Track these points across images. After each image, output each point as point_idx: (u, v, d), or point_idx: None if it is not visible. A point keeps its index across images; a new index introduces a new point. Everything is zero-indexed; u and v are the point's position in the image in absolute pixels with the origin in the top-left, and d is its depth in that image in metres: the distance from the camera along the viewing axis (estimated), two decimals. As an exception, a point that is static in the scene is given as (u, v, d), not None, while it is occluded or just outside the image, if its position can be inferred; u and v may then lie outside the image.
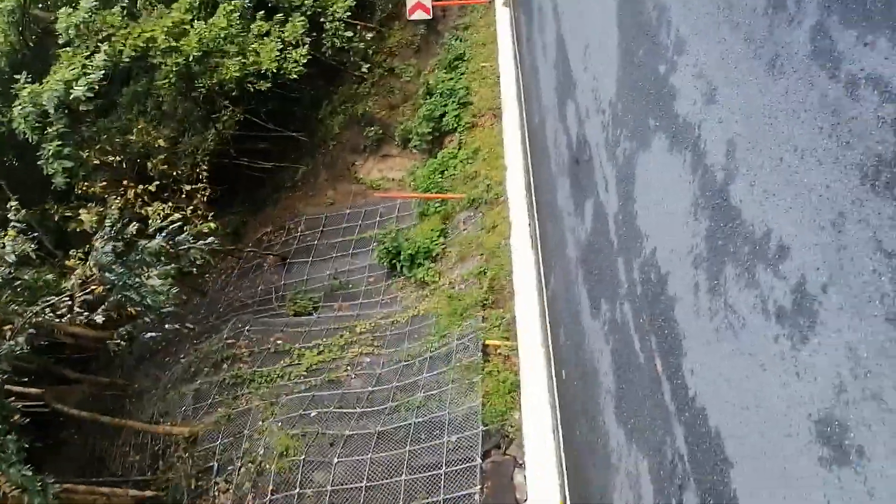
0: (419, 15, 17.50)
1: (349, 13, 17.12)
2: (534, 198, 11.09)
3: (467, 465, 9.79)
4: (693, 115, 4.52)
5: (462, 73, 17.01)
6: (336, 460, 11.22)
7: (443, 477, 9.96)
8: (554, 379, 8.46)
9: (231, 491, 12.24)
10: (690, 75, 4.58)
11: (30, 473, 10.64)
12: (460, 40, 18.13)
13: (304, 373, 13.80)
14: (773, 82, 3.53)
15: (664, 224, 5.01)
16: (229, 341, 15.37)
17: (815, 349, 3.15)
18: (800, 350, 3.27)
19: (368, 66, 18.99)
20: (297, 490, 11.17)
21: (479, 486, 9.49)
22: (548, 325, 9.15)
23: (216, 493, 12.47)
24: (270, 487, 11.58)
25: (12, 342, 11.99)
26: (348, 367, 13.42)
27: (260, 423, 12.85)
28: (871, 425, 2.74)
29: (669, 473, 4.58)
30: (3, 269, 12.16)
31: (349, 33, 17.21)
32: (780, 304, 3.43)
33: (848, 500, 2.84)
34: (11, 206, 13.46)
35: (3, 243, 12.48)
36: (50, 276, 13.75)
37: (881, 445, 2.68)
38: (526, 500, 8.66)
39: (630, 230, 5.78)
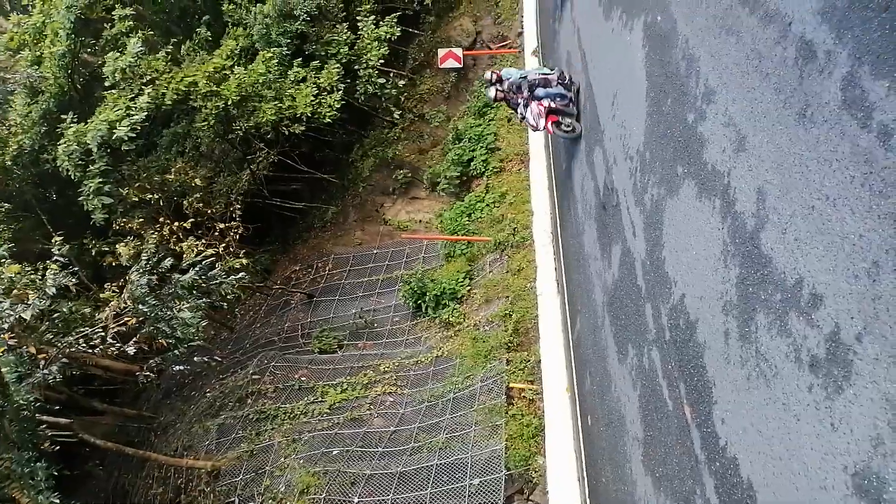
0: (450, 63, 18.03)
1: (382, 61, 17.69)
2: (560, 242, 11.14)
3: (490, 509, 9.59)
4: (722, 163, 4.57)
5: (490, 120, 17.37)
6: (357, 500, 11.09)
7: (465, 519, 9.77)
8: (580, 424, 8.32)
9: (252, 526, 12.14)
10: (720, 124, 4.65)
11: (57, 501, 10.71)
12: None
13: (327, 410, 13.79)
14: (805, 132, 3.58)
15: (693, 270, 5.00)
16: (255, 377, 15.48)
17: (851, 400, 3.10)
18: (834, 400, 3.21)
19: (400, 111, 19.50)
20: (318, 528, 11.03)
21: (501, 531, 9.27)
22: (573, 369, 9.05)
23: (237, 528, 12.38)
24: (291, 524, 11.45)
25: (45, 371, 12.25)
26: (371, 406, 13.37)
27: (282, 459, 12.82)
28: (911, 480, 2.67)
29: (700, 526, 4.45)
30: (43, 301, 12.51)
31: (382, 80, 17.77)
32: (814, 353, 3.39)
33: (887, 557, 2.75)
34: (55, 241, 13.93)
35: (45, 276, 12.88)
36: (86, 309, 14.11)
37: (922, 501, 2.61)
38: (549, 549, 8.42)
39: (658, 276, 5.77)
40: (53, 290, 12.71)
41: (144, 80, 16.76)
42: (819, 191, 3.41)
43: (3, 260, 13.80)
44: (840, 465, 3.13)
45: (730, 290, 4.33)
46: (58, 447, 13.12)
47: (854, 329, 3.08)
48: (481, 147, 16.86)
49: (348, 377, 14.44)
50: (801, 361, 3.49)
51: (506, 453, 10.05)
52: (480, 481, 10.03)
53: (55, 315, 13.02)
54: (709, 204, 4.73)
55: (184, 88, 16.46)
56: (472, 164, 16.90)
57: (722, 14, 4.71)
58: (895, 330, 2.81)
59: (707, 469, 4.47)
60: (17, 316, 11.85)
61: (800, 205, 3.57)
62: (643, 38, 6.68)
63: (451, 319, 14.39)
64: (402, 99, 19.71)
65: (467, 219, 15.95)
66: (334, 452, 12.46)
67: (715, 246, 4.56)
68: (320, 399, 14.18)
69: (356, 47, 17.63)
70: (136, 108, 16.11)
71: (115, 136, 15.88)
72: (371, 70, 17.48)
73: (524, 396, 10.96)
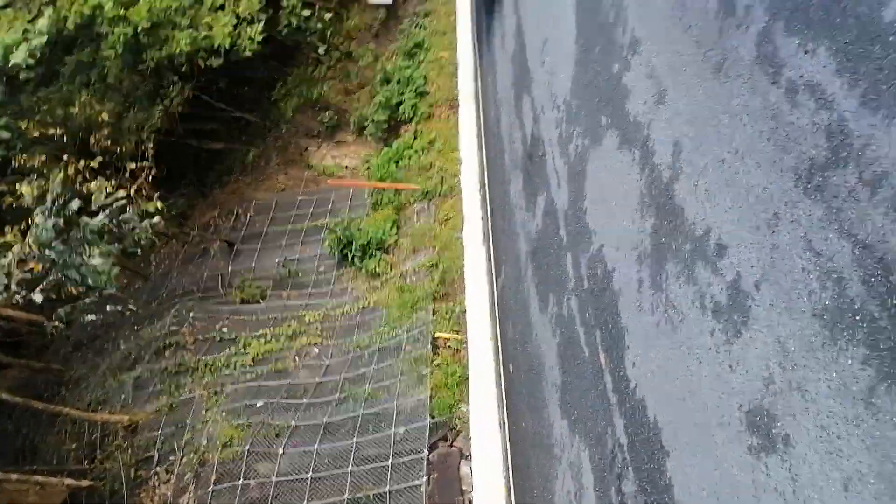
0: (380, -1, 17.32)
1: (308, -8, 16.78)
2: (487, 192, 11.16)
3: (414, 456, 9.83)
4: (643, 115, 4.64)
5: (420, 62, 16.92)
6: (282, 451, 11.09)
7: (390, 468, 9.98)
8: (502, 372, 8.57)
9: (172, 481, 11.93)
10: (643, 75, 4.69)
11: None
12: (420, 27, 18.00)
13: (251, 362, 13.55)
14: (720, 86, 3.66)
15: (612, 221, 5.13)
16: (172, 328, 14.92)
17: (747, 343, 3.30)
18: (733, 344, 3.41)
19: (325, 48, 18.63)
20: (241, 481, 10.99)
21: (425, 478, 9.55)
22: (497, 318, 9.25)
23: (157, 484, 12.14)
24: (213, 477, 11.33)
25: (-62, 322, 11.36)
26: (296, 358, 13.24)
27: (203, 412, 12.55)
28: (797, 415, 2.89)
29: (610, 463, 4.71)
30: None
31: (307, 12, 16.85)
32: (717, 300, 3.57)
33: (773, 485, 2.99)
34: None
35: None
36: (-19, 252, 13.10)
37: (805, 434, 2.83)
38: (471, 491, 8.75)
39: (579, 226, 5.89)
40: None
41: (44, 1, 15.16)
42: (730, 144, 3.51)
43: None
44: (735, 404, 3.35)
45: (644, 240, 4.47)
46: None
47: (753, 277, 3.25)
48: (410, 90, 16.43)
49: (272, 328, 14.15)
50: (705, 308, 3.68)
51: (430, 402, 10.25)
52: (406, 430, 10.23)
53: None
54: (629, 155, 4.81)
55: (88, 11, 14.97)
56: (400, 108, 16.48)
57: (649, -38, 4.69)
58: (789, 278, 2.98)
59: (618, 410, 4.71)
60: None
61: (712, 157, 3.68)
62: (573, -16, 6.59)
63: (377, 269, 14.29)
64: (329, 34, 18.80)
65: (395, 166, 15.68)
66: (258, 405, 12.31)
67: (633, 197, 4.67)
68: (243, 351, 13.87)
69: (279, -25, 16.60)
70: (34, 31, 14.60)
71: (11, 62, 14.42)
72: (295, 1, 16.51)
73: (449, 346, 11.13)
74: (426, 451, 9.76)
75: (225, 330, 14.63)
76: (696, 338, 3.75)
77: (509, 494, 7.54)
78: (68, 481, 13.27)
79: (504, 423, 8.13)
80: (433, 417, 10.08)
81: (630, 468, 4.43)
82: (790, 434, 2.91)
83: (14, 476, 12.89)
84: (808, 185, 2.89)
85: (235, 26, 15.58)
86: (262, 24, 15.88)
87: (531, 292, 7.36)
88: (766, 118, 3.21)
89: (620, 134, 5.02)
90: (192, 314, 15.25)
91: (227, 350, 13.98)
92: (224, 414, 12.24)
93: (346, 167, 18.32)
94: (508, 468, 7.71)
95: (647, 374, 4.41)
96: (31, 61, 14.45)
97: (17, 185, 15.10)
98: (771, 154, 3.17)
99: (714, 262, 3.58)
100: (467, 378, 9.90)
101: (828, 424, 2.70)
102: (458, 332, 11.05)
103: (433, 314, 11.76)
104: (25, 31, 14.55)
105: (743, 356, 3.33)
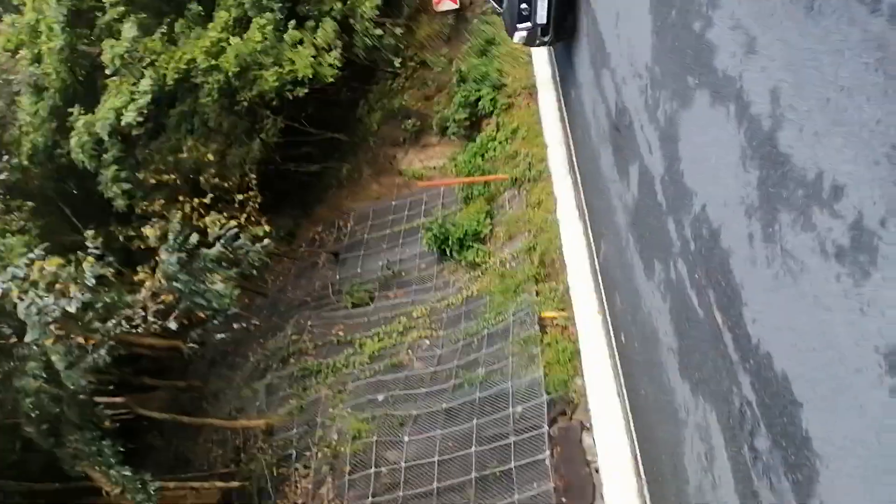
0: (446, 5, 17.59)
1: (377, 12, 17.34)
2: (577, 170, 11.12)
3: (535, 432, 10.01)
4: (733, 68, 4.54)
5: (494, 57, 17.03)
6: (407, 438, 11.64)
7: (512, 446, 10.22)
8: (614, 343, 8.56)
9: (311, 475, 12.88)
10: (727, 28, 4.59)
11: (129, 473, 11.44)
12: (490, 24, 18.10)
13: (367, 360, 14.29)
14: (814, 24, 3.55)
15: (713, 179, 5.04)
16: (293, 337, 16.02)
17: (879, 284, 3.19)
18: (863, 286, 3.31)
19: (400, 61, 19.18)
20: (373, 469, 11.67)
21: (548, 452, 9.70)
22: (602, 292, 9.23)
23: (297, 479, 13.15)
24: (347, 468, 12.12)
25: (95, 356, 12.85)
26: (409, 351, 13.81)
27: (330, 410, 13.42)
28: (940, 350, 2.79)
29: (739, 421, 4.66)
30: (84, 293, 12.97)
31: (379, 31, 17.43)
32: (839, 244, 3.46)
33: (922, 424, 2.91)
34: (88, 235, 14.33)
35: (82, 269, 13.32)
36: (127, 298, 14.62)
37: (951, 367, 2.73)
38: (596, 461, 8.80)
39: (678, 189, 5.82)
40: (93, 280, 13.16)
41: (144, 64, 16.72)
42: (833, 83, 3.41)
43: (42, 257, 14.22)
44: (872, 347, 3.25)
45: (751, 193, 4.38)
46: (118, 424, 13.90)
47: (877, 214, 3.15)
48: (487, 85, 16.60)
49: (384, 326, 14.85)
50: (826, 253, 3.58)
51: (545, 379, 10.38)
52: (523, 408, 10.43)
53: (97, 304, 13.53)
54: (723, 111, 4.72)
55: (183, 66, 16.38)
56: (479, 103, 16.69)
57: (721, -88, 4.58)
58: (917, 209, 2.88)
59: (741, 368, 4.65)
60: (61, 309, 12.35)
61: (815, 99, 3.57)
62: (642, -52, 6.49)
63: (476, 260, 14.58)
64: (402, 48, 19.33)
65: (481, 159, 15.90)
66: (380, 398, 12.98)
67: (733, 152, 4.59)
68: (359, 350, 14.66)
69: (349, 2, 17.27)
70: (139, 92, 16.15)
71: (123, 122, 16.02)
72: (367, 22, 17.13)
73: (557, 324, 11.21)
74: (546, 427, 9.90)
75: (341, 333, 15.54)
76: (821, 285, 3.65)
77: (636, 461, 7.55)
78: (219, 484, 14.65)
79: (622, 392, 8.14)
80: (549, 394, 10.22)
81: (761, 424, 4.37)
82: (935, 369, 2.82)
83: (172, 484, 14.40)
84: (927, 111, 2.78)
85: (315, 56, 16.41)
86: (338, 49, 16.63)
87: (635, 261, 7.32)
88: (871, 49, 3.10)
89: (711, 91, 4.93)
90: (309, 322, 16.29)
91: (345, 351, 14.84)
92: (349, 410, 13.04)
93: (434, 168, 18.76)
94: (633, 435, 7.71)
95: (769, 329, 4.32)
96: (140, 118, 15.98)
97: (142, 229, 16.78)
98: (882, 85, 3.06)
99: (831, 205, 3.49)
100: (579, 353, 9.95)
101: (976, 353, 2.61)
102: (563, 310, 11.11)
103: (536, 295, 11.88)
104: (132, 93, 16.08)
105: (875, 297, 3.22)
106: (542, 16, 9.70)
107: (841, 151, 3.40)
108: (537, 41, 10.31)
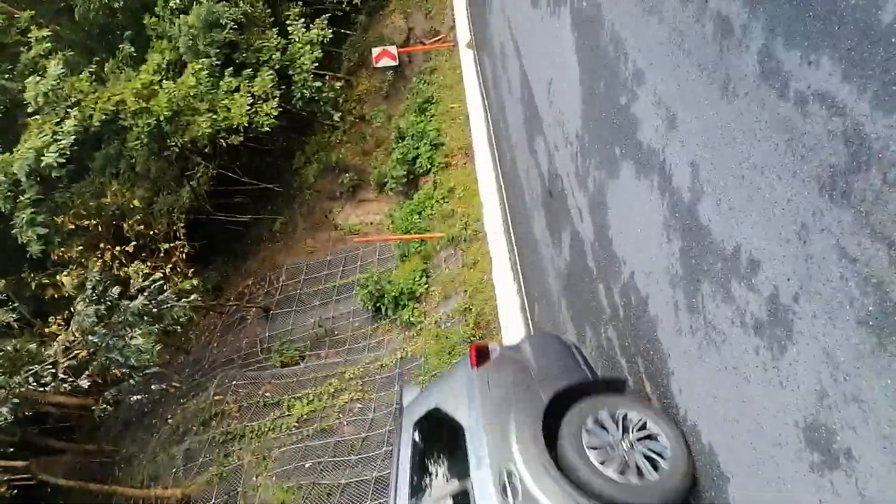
0: (386, 62, 17.94)
1: (317, 64, 17.47)
2: (512, 231, 11.24)
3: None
4: (656, 141, 4.69)
5: (432, 116, 17.37)
6: (334, 510, 11.01)
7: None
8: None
9: (229, 552, 11.90)
10: (650, 104, 4.77)
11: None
12: (428, 84, 18.56)
13: (296, 424, 13.63)
14: (728, 104, 3.71)
15: (640, 248, 5.13)
16: (217, 398, 15.13)
17: (795, 358, 3.23)
18: (780, 359, 3.35)
19: (339, 114, 19.31)
20: (298, 544, 10.89)
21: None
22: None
23: (213, 557, 12.11)
24: (270, 543, 11.29)
25: (-5, 414, 11.74)
26: (339, 415, 13.26)
27: (254, 478, 12.61)
28: (856, 427, 2.81)
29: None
30: None
31: (318, 83, 17.53)
32: (757, 317, 3.52)
33: (842, 503, 2.89)
34: None
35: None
36: (31, 345, 13.57)
37: (867, 445, 2.74)
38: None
39: (608, 256, 5.90)
40: (-7, 329, 12.16)
41: (69, 103, 16.05)
42: (747, 160, 3.53)
43: None
44: (791, 421, 3.27)
45: (675, 263, 4.46)
46: (16, 490, 12.62)
47: (791, 290, 3.22)
48: (425, 144, 16.84)
49: (314, 388, 14.27)
50: (746, 326, 3.63)
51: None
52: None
53: (-1, 354, 12.46)
54: (647, 182, 4.85)
55: (112, 108, 15.85)
56: (417, 161, 16.87)
57: (643, -4, 4.83)
58: (827, 287, 2.95)
59: (670, 439, 4.59)
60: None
61: (731, 175, 3.70)
62: (571, 24, 6.79)
63: (411, 319, 14.36)
64: (341, 101, 19.50)
65: (418, 217, 15.93)
66: (307, 465, 12.31)
67: (657, 222, 4.69)
68: (287, 413, 13.97)
69: (288, 52, 17.34)
70: (62, 132, 15.42)
71: (43, 163, 15.18)
72: (306, 74, 17.23)
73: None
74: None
75: (268, 394, 14.79)
76: (742, 357, 3.69)
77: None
78: (126, 562, 13.35)
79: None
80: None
81: (689, 499, 4.30)
82: (851, 447, 2.83)
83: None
84: (833, 193, 2.89)
85: (251, 105, 16.28)
86: (276, 99, 16.56)
87: (568, 327, 7.32)
88: (780, 131, 3.24)
89: (636, 162, 5.07)
90: (234, 382, 15.47)
91: (272, 414, 14.11)
92: (274, 478, 12.26)
93: (371, 223, 18.68)
94: None
95: (695, 400, 4.32)
96: (62, 160, 15.18)
97: (58, 277, 15.73)
98: (790, 165, 3.18)
99: (749, 279, 3.56)
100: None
101: (890, 433, 2.62)
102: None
103: (472, 359, 11.69)
104: (54, 133, 15.35)
105: (792, 371, 3.26)
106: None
107: (755, 227, 3.50)
108: None
